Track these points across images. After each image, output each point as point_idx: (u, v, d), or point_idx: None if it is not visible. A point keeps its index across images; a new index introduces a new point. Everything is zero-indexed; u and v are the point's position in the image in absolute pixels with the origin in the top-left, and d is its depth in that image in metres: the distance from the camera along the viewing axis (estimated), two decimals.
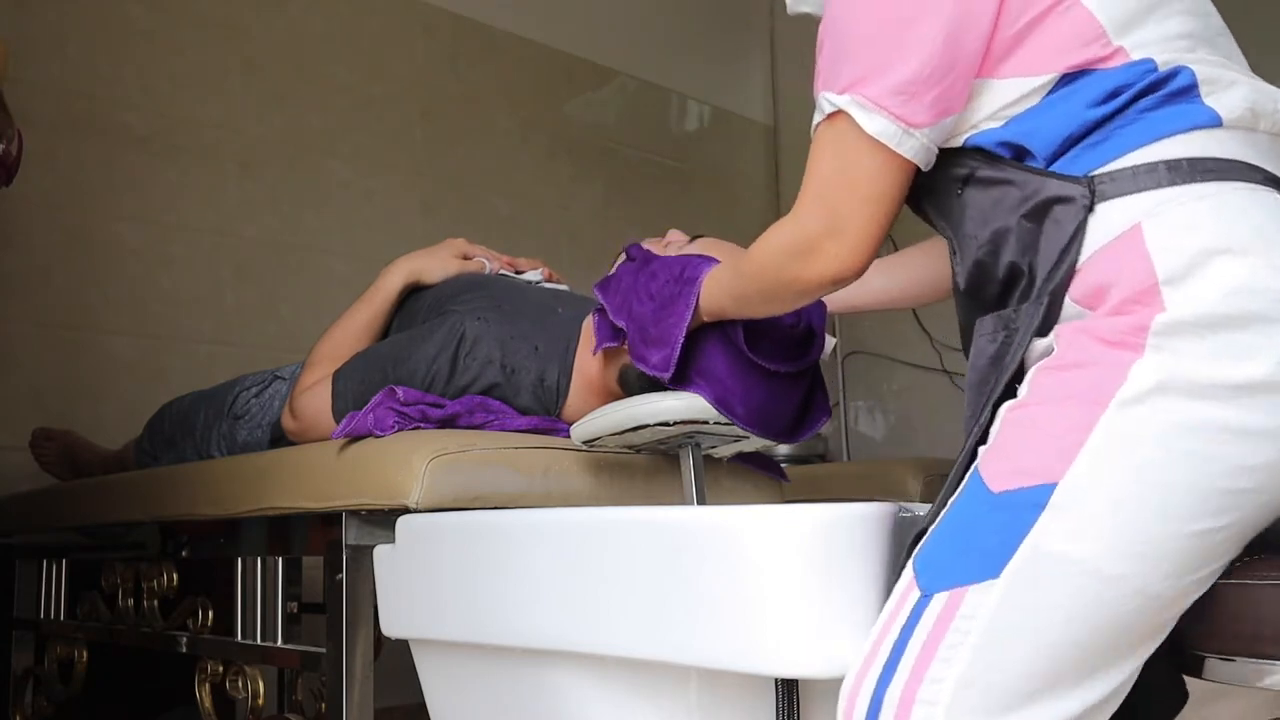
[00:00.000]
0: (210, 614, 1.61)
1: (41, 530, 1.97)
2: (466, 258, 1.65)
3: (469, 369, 1.39)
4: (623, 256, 1.35)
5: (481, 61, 3.11)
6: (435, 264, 1.62)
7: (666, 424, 1.17)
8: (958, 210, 0.93)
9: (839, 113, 0.90)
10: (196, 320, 2.48)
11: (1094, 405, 0.78)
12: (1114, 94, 0.86)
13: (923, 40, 0.87)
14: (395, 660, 1.40)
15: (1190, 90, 0.86)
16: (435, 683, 1.24)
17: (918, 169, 0.92)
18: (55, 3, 2.34)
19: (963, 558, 0.81)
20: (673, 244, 1.45)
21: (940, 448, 3.23)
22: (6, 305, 2.20)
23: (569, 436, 1.29)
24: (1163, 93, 0.86)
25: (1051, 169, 0.87)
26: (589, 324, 1.43)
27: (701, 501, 1.24)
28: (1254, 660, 0.79)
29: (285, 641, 1.47)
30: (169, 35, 2.51)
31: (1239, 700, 1.07)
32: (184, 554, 1.70)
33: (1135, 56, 0.87)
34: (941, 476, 2.28)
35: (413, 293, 1.61)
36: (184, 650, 1.63)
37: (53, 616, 1.95)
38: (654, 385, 1.30)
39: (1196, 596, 0.80)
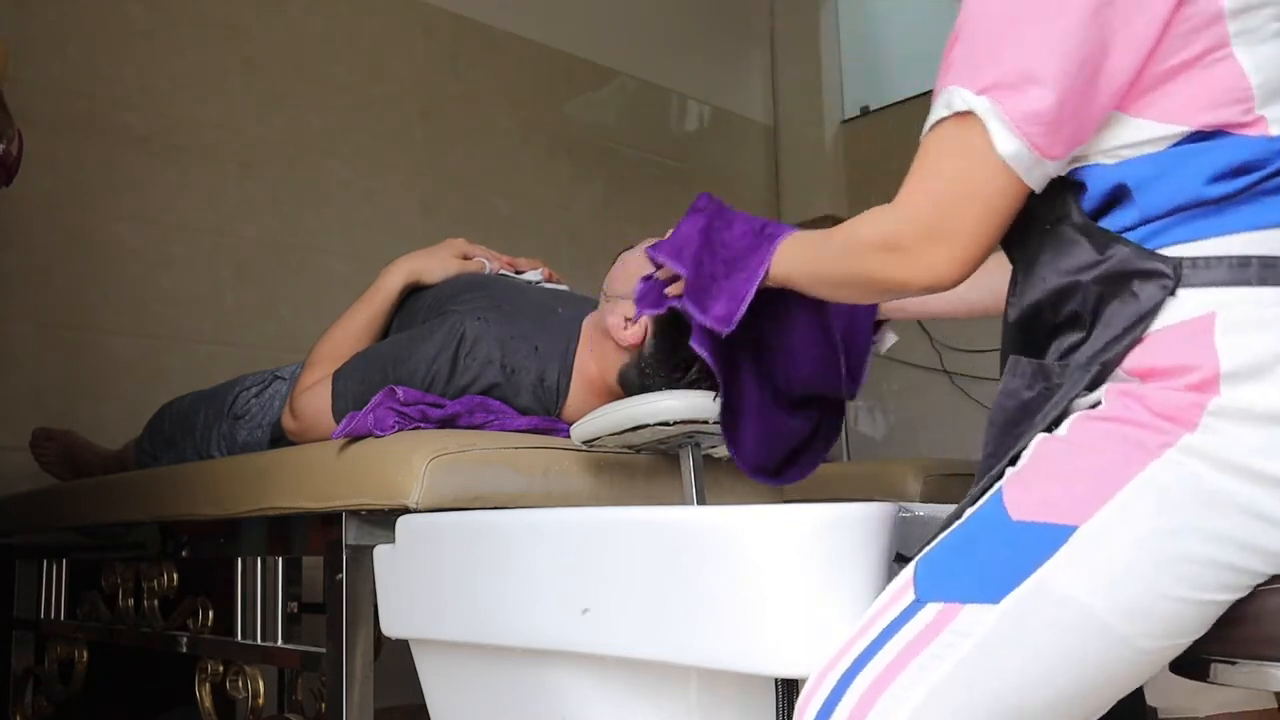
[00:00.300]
0: (210, 614, 1.61)
1: (41, 530, 1.97)
2: (466, 258, 1.65)
3: (469, 369, 1.39)
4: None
5: (481, 61, 3.11)
6: (435, 264, 1.62)
7: (666, 424, 1.17)
8: (1037, 245, 0.89)
9: (971, 114, 0.83)
10: (196, 320, 2.48)
11: (1134, 462, 0.77)
12: (1240, 171, 0.81)
13: (1075, 51, 0.81)
14: (395, 660, 1.40)
15: None
16: (435, 683, 1.24)
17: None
18: (55, 3, 2.34)
19: (967, 575, 0.81)
20: None
21: (940, 448, 3.23)
22: (6, 305, 2.20)
23: (569, 436, 1.29)
24: None
25: (1142, 233, 0.83)
26: (589, 323, 1.43)
27: (701, 501, 1.24)
28: (1258, 662, 0.79)
29: (285, 641, 1.47)
30: (169, 35, 2.51)
31: (1233, 691, 1.07)
32: (184, 554, 1.70)
33: (1274, 132, 0.82)
34: (941, 476, 2.29)
35: (413, 293, 1.61)
36: (184, 650, 1.63)
37: (53, 616, 1.95)
38: (654, 386, 1.30)
39: (1175, 656, 0.80)
